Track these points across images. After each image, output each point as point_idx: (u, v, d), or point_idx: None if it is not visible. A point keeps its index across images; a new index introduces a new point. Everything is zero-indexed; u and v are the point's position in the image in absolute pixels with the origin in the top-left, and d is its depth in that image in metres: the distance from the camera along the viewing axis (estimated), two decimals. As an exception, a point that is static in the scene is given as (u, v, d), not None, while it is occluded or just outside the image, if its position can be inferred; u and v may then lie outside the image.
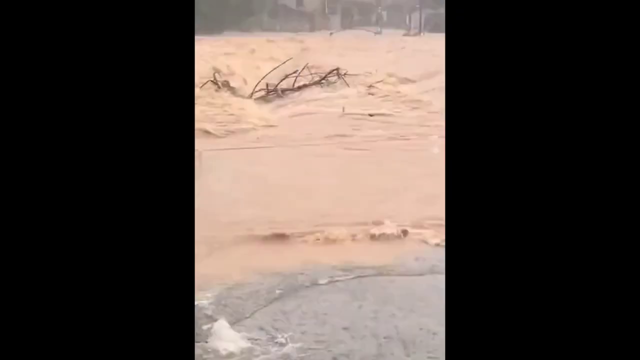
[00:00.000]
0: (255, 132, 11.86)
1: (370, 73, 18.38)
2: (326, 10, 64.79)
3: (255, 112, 13.79)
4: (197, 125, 12.02)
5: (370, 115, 13.16)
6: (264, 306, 4.42)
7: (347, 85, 16.67)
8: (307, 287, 4.73)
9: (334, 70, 17.59)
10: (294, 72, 17.59)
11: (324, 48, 30.94)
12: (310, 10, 62.37)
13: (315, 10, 63.10)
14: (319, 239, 5.74)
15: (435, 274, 4.89)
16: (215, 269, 5.06)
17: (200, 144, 10.27)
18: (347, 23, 63.37)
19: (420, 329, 4.01)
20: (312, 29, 56.91)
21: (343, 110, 13.37)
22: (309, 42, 35.18)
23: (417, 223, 6.00)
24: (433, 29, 53.55)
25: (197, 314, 4.16)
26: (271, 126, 12.66)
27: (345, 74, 17.42)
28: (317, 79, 17.28)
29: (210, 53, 23.78)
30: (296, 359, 3.74)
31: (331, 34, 46.06)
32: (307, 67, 17.78)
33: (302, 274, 4.97)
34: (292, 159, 9.56)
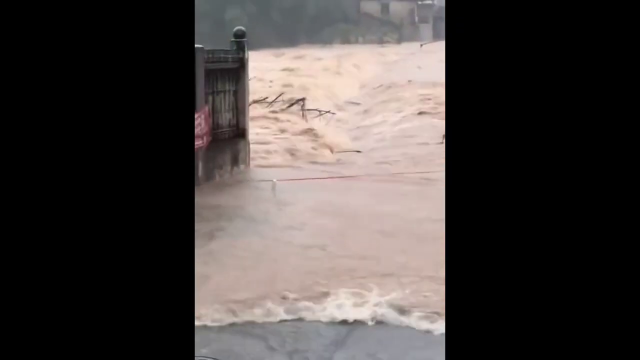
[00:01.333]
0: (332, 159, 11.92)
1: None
2: (416, 19, 64.89)
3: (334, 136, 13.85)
4: (266, 146, 12.14)
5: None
6: None
7: (304, 118, 16.30)
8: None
9: (299, 100, 17.39)
10: (265, 98, 17.54)
11: (412, 61, 30.93)
12: (397, 19, 62.50)
13: (403, 18, 63.22)
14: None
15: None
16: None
17: (273, 172, 10.37)
18: (440, 33, 63.30)
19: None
20: (400, 40, 56.99)
21: (444, 139, 13.20)
22: (395, 54, 35.23)
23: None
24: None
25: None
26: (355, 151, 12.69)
27: (308, 109, 17.04)
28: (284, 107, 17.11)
29: (269, 67, 23.96)
30: None
31: (422, 45, 46.08)
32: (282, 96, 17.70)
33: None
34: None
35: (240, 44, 10.90)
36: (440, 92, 17.71)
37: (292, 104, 17.12)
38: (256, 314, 5.24)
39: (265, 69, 22.52)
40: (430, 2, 66.17)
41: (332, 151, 12.75)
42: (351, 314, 5.26)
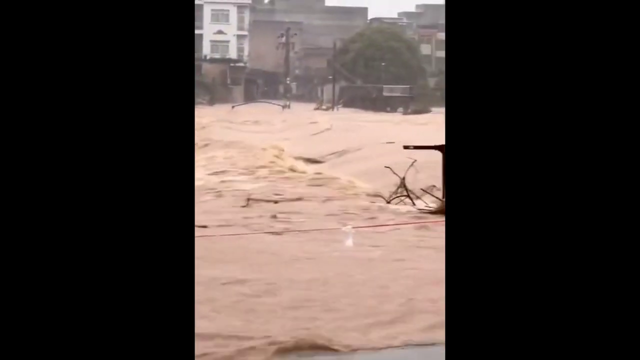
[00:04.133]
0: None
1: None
2: (228, 80, 65.43)
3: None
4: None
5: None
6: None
7: None
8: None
9: None
10: None
11: (222, 123, 31.08)
12: (209, 80, 62.86)
13: (215, 79, 63.63)
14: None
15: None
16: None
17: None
18: (252, 95, 64.13)
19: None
20: (212, 102, 57.26)
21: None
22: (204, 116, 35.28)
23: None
24: (347, 104, 54.71)
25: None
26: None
27: None
28: None
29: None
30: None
31: (233, 107, 46.48)
32: None
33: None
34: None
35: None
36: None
37: None
38: None
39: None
40: (242, 64, 67.05)
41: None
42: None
